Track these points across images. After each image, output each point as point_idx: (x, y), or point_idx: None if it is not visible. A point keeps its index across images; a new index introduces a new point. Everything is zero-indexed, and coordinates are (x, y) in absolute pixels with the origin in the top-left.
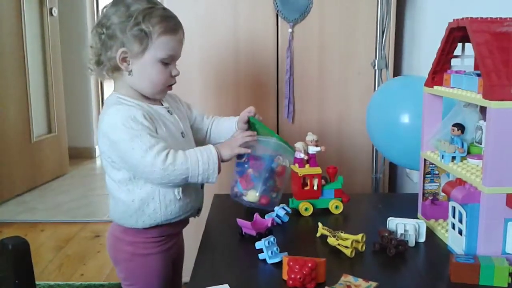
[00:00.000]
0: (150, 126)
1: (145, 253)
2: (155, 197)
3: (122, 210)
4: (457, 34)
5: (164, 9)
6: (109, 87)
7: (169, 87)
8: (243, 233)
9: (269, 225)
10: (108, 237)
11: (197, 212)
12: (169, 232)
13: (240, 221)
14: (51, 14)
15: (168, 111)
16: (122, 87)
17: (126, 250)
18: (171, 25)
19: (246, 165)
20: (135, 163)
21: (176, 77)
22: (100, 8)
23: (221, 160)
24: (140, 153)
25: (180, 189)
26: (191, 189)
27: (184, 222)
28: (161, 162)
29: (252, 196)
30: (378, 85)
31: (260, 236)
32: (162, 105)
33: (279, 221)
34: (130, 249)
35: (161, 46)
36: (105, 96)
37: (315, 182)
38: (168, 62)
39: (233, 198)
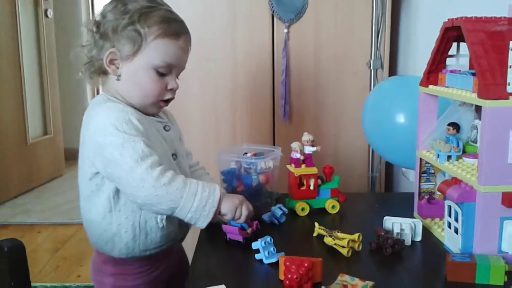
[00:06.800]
0: (145, 133)
1: (129, 285)
2: (135, 222)
3: (98, 234)
4: (452, 33)
5: (169, 11)
6: None
7: (164, 102)
8: (227, 239)
9: (254, 229)
10: (90, 264)
11: (179, 240)
12: (151, 262)
13: (225, 227)
14: (46, 15)
15: (164, 127)
16: (111, 93)
17: (108, 283)
18: (173, 28)
19: (234, 184)
20: (122, 175)
21: (174, 92)
22: (96, 9)
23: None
24: (129, 163)
25: (164, 216)
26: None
27: (165, 251)
28: (154, 180)
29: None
30: (374, 85)
31: (247, 241)
32: (160, 117)
33: (275, 221)
34: (111, 281)
35: (157, 50)
36: None
37: (311, 182)
38: (165, 72)
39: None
